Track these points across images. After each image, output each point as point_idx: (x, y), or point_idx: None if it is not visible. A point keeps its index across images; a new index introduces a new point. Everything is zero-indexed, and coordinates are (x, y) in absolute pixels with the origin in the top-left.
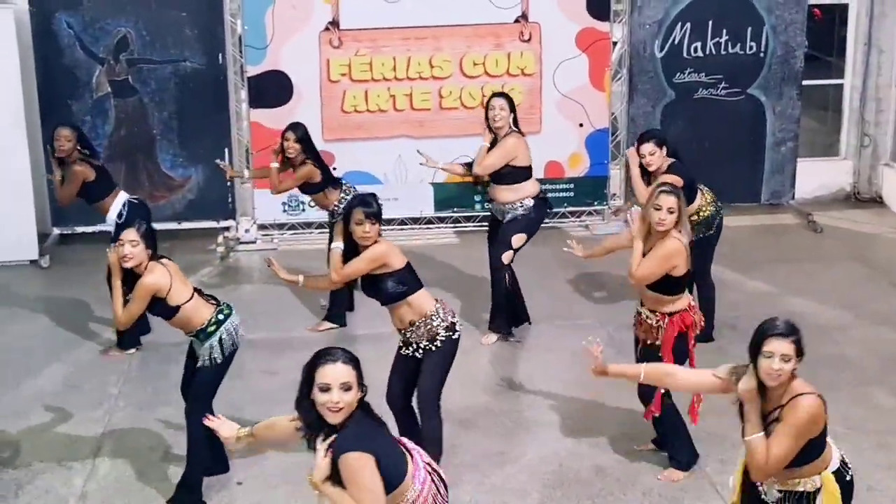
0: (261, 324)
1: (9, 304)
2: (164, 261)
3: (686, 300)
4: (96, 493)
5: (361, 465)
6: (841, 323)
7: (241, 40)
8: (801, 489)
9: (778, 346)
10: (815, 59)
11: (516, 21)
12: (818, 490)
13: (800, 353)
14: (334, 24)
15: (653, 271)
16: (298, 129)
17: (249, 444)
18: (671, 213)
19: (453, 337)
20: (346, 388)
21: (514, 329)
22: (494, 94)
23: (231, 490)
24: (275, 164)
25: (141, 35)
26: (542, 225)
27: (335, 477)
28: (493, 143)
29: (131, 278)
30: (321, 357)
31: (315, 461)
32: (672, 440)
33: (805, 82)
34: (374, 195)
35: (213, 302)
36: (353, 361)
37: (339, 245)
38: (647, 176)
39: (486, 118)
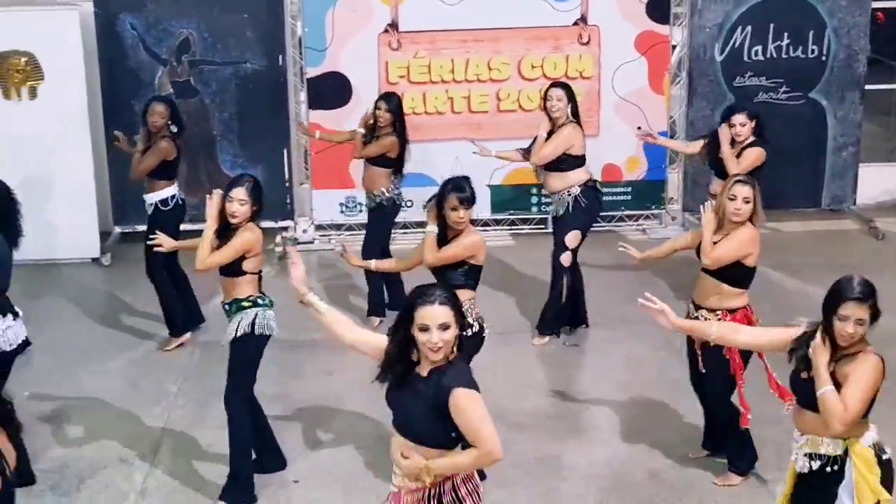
0: (317, 324)
1: (71, 300)
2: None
3: (745, 298)
4: (156, 489)
5: (474, 399)
6: None
7: (301, 42)
8: (824, 451)
9: (854, 311)
10: (878, 63)
11: (575, 24)
12: (840, 457)
13: (875, 316)
14: (393, 26)
15: (728, 254)
16: (392, 100)
17: (313, 316)
18: (746, 202)
19: (480, 334)
20: (444, 327)
21: (570, 331)
22: (552, 85)
23: (288, 488)
24: (361, 130)
25: (203, 37)
26: (599, 228)
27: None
28: (550, 134)
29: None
30: (419, 297)
31: (403, 464)
32: (733, 445)
33: (868, 87)
34: (467, 178)
35: (262, 292)
36: (451, 301)
37: (433, 229)
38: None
39: (545, 108)
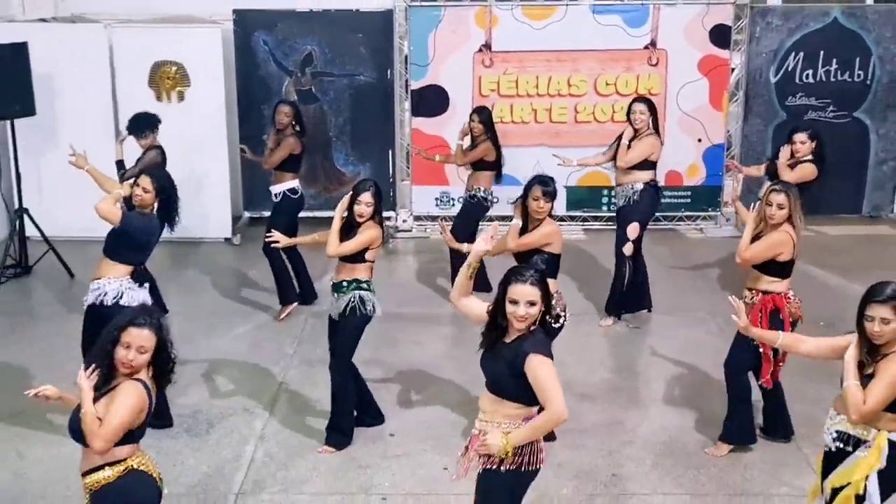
0: (412, 300)
1: (206, 274)
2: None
3: (783, 285)
4: (272, 435)
5: (546, 364)
6: None
7: (407, 59)
8: (853, 432)
9: (877, 311)
10: None
11: (646, 48)
12: (865, 442)
13: None
14: (487, 46)
15: (757, 255)
16: (483, 113)
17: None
18: (780, 209)
19: (554, 325)
20: (531, 303)
21: (634, 315)
22: (636, 99)
23: (385, 440)
24: (461, 142)
25: (324, 52)
26: (661, 227)
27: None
28: (631, 140)
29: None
30: (514, 275)
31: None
32: (734, 418)
33: None
34: (551, 178)
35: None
36: (540, 283)
37: (517, 221)
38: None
39: (629, 119)
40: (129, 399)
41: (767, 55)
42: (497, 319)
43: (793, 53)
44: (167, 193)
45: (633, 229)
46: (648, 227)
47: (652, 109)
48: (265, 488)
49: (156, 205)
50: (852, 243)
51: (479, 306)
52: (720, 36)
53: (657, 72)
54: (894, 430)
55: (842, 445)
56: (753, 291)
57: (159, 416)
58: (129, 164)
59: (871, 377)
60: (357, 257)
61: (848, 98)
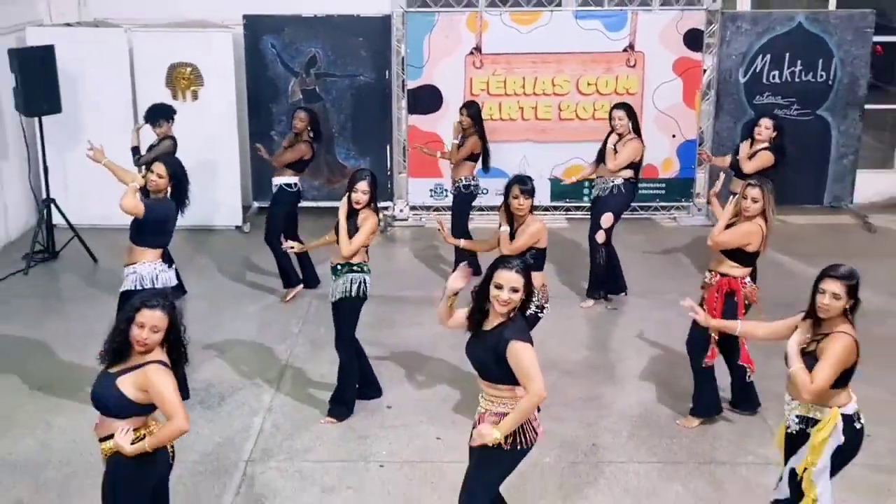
0: (409, 284)
1: (218, 259)
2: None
3: (743, 272)
4: (279, 407)
5: (526, 349)
6: (892, 309)
7: (404, 61)
8: (812, 415)
9: (830, 286)
10: (876, 88)
11: (624, 50)
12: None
13: (851, 295)
14: (477, 49)
15: (728, 241)
16: (472, 107)
17: (444, 306)
18: (755, 202)
19: (539, 315)
20: (514, 290)
21: (612, 298)
22: (615, 106)
23: (383, 412)
24: (456, 141)
25: (327, 54)
26: (637, 217)
27: None
28: (616, 143)
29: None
30: (501, 263)
31: (480, 435)
32: (700, 392)
33: (867, 106)
34: (529, 177)
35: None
36: (524, 272)
37: (505, 228)
38: (752, 144)
39: (611, 126)
40: (167, 382)
41: (737, 57)
42: (480, 303)
43: (760, 56)
44: (179, 179)
45: (606, 219)
46: (624, 217)
47: (631, 114)
48: (273, 456)
49: (169, 189)
50: (814, 232)
51: (463, 315)
52: (693, 39)
53: (635, 73)
54: (845, 404)
55: (804, 427)
56: (713, 273)
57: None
58: (142, 151)
59: (813, 355)
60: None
61: (811, 97)
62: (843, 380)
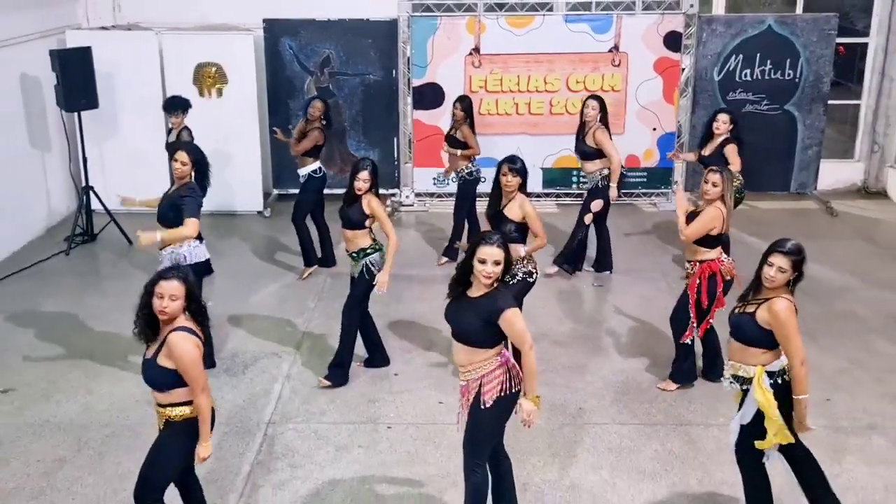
0: (415, 263)
1: (241, 241)
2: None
3: (715, 252)
4: (297, 374)
5: (518, 314)
6: (851, 286)
7: (409, 61)
8: (743, 374)
9: (777, 260)
10: (839, 85)
11: (610, 51)
12: (750, 379)
13: (796, 268)
14: (476, 50)
15: (696, 232)
16: (464, 101)
17: None
18: (714, 186)
19: (529, 280)
20: (497, 263)
21: (597, 275)
22: (589, 97)
23: (390, 379)
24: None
25: (339, 55)
26: (621, 203)
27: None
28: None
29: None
30: (483, 238)
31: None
32: (679, 361)
33: (830, 102)
34: (518, 157)
35: (374, 238)
36: (505, 246)
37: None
38: (711, 140)
39: (581, 113)
40: (187, 348)
41: (712, 57)
42: (465, 275)
43: (733, 55)
44: (200, 163)
45: (596, 204)
46: (613, 202)
47: (603, 107)
48: (291, 419)
49: (192, 174)
50: (782, 216)
51: None
52: (672, 41)
53: (619, 71)
54: (766, 362)
55: (737, 385)
56: (692, 263)
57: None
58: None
59: (752, 315)
60: (360, 225)
61: (779, 93)
62: (773, 343)
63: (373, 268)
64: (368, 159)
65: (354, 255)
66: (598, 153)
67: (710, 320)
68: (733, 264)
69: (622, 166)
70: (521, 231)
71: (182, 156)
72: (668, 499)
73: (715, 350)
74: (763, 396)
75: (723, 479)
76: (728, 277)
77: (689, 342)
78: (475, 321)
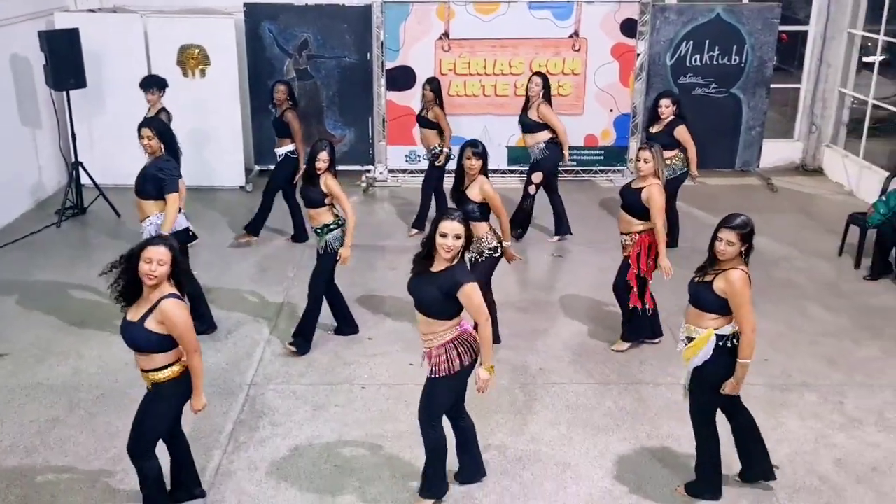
0: (387, 234)
1: (224, 214)
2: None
3: (649, 225)
4: (277, 339)
5: (476, 288)
6: (788, 255)
7: (383, 45)
8: (695, 335)
9: (726, 234)
10: (781, 70)
11: (570, 37)
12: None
13: (744, 241)
14: (446, 35)
15: (660, 214)
16: (433, 82)
17: None
18: (646, 163)
19: (494, 255)
20: (458, 237)
21: (558, 246)
22: (534, 74)
23: (364, 343)
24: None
25: (317, 38)
26: (579, 179)
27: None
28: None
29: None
30: (443, 214)
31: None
32: (628, 323)
33: (773, 86)
34: (480, 141)
35: (336, 214)
36: (465, 221)
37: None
38: (658, 121)
39: (527, 89)
40: (181, 315)
41: (665, 43)
42: (429, 250)
43: (684, 42)
44: (164, 135)
45: (536, 176)
46: (570, 178)
47: (546, 83)
48: (272, 380)
49: (161, 147)
50: (727, 191)
51: None
52: (628, 28)
53: (579, 56)
54: (718, 326)
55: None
56: (629, 235)
57: (203, 321)
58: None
59: (710, 285)
60: (320, 203)
61: (726, 78)
62: (726, 308)
63: (334, 244)
64: (326, 140)
65: (318, 230)
66: (540, 126)
67: (651, 282)
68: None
69: (555, 138)
70: (483, 211)
71: (146, 131)
72: (620, 451)
73: (654, 311)
74: (699, 341)
75: (670, 432)
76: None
77: (636, 306)
78: (436, 294)
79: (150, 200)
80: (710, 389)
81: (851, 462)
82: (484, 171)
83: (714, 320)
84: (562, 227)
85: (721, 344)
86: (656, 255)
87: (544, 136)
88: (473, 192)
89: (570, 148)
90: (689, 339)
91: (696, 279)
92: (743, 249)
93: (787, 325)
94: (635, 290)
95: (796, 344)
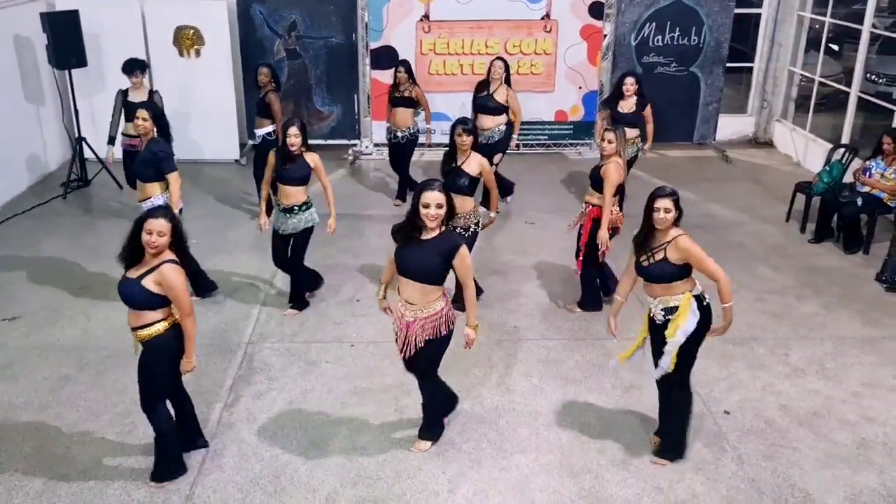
0: (373, 204)
1: (219, 186)
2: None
3: (611, 202)
4: (272, 300)
5: (467, 253)
6: (740, 221)
7: (367, 26)
8: (674, 304)
9: (661, 203)
10: (736, 50)
11: (542, 19)
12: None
13: (677, 207)
14: (426, 16)
15: (611, 191)
16: (405, 64)
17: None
18: (610, 143)
19: (477, 230)
20: (439, 206)
21: (530, 216)
22: (496, 58)
23: (353, 304)
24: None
25: (305, 20)
26: (551, 152)
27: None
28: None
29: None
30: (425, 185)
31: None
32: (585, 291)
33: (728, 64)
34: (470, 118)
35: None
36: (445, 191)
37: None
38: (623, 98)
39: (489, 72)
40: (178, 279)
41: (630, 24)
42: (412, 220)
43: (648, 23)
44: (159, 117)
45: (497, 157)
46: (541, 151)
47: (507, 68)
48: (267, 339)
49: (154, 129)
50: (686, 162)
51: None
52: (596, 10)
53: (550, 37)
54: (689, 289)
55: (669, 316)
56: (587, 204)
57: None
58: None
59: (666, 260)
60: (305, 180)
61: (686, 57)
62: (688, 270)
63: (310, 220)
64: (296, 119)
65: (296, 208)
66: (502, 109)
67: (591, 253)
68: (622, 216)
69: (511, 121)
70: (473, 185)
71: (142, 113)
72: (586, 400)
73: (607, 274)
74: (682, 308)
75: (631, 383)
76: (616, 226)
77: (588, 273)
78: (435, 258)
79: (151, 182)
80: (696, 345)
81: (794, 407)
82: (475, 147)
83: (683, 284)
84: (506, 191)
85: (697, 304)
86: (612, 230)
87: (504, 118)
88: (472, 167)
89: (543, 123)
90: (669, 310)
91: (645, 261)
92: (677, 215)
93: (737, 283)
94: (582, 256)
95: (745, 300)
